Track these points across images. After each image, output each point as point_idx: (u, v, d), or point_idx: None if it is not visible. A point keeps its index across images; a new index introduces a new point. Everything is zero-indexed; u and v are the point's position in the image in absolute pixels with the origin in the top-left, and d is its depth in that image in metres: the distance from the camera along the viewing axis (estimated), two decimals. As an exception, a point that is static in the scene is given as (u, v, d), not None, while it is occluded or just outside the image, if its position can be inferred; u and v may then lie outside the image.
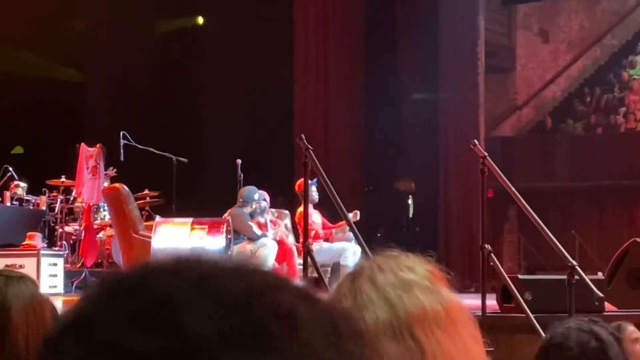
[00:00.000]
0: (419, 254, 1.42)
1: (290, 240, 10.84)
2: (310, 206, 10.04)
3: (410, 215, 17.49)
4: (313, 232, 9.96)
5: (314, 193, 9.96)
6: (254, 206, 9.91)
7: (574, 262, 5.69)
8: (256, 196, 9.94)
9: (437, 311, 1.30)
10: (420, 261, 1.39)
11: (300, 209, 9.26)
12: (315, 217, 10.19)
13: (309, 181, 9.63)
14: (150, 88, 15.03)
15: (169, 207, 11.07)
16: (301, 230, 9.73)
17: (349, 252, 9.78)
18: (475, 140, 6.64)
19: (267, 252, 9.61)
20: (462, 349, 1.30)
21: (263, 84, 15.20)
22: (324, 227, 10.44)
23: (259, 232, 9.78)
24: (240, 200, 9.88)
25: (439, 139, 16.28)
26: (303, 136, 6.33)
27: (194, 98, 15.35)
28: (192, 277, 0.66)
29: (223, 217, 9.85)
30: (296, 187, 9.86)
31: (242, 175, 10.85)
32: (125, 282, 0.67)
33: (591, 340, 2.74)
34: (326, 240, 10.38)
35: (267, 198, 10.34)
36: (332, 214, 10.02)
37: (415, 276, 1.34)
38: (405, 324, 1.29)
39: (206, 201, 11.04)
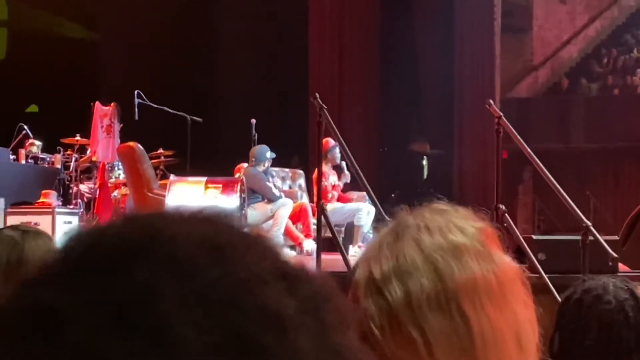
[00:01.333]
0: (469, 208, 1.30)
1: (304, 199, 10.85)
2: (330, 167, 10.06)
3: (425, 177, 17.47)
4: (330, 195, 9.98)
5: (337, 154, 9.96)
6: (266, 164, 9.91)
7: (589, 223, 5.68)
8: (268, 155, 9.94)
9: (488, 281, 1.20)
10: (470, 219, 1.27)
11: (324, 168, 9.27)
12: (333, 179, 10.20)
13: (333, 142, 9.66)
14: (164, 47, 15.00)
15: (183, 167, 11.06)
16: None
17: (363, 212, 9.79)
18: (491, 100, 6.59)
19: (285, 212, 9.63)
20: (512, 320, 1.21)
21: (278, 43, 15.15)
22: (339, 198, 10.42)
23: (277, 192, 9.79)
24: (253, 159, 9.88)
25: (454, 99, 16.22)
26: (317, 95, 6.30)
27: (209, 57, 15.31)
28: (168, 260, 0.61)
29: (236, 175, 9.87)
30: (324, 147, 9.79)
31: (256, 135, 10.84)
32: (95, 257, 0.61)
33: (629, 297, 2.75)
34: (340, 200, 10.39)
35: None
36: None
37: (466, 239, 1.22)
38: (453, 296, 1.18)
39: (220, 161, 11.04)
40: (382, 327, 1.18)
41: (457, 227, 1.24)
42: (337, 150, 9.92)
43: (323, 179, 9.66)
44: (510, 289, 1.23)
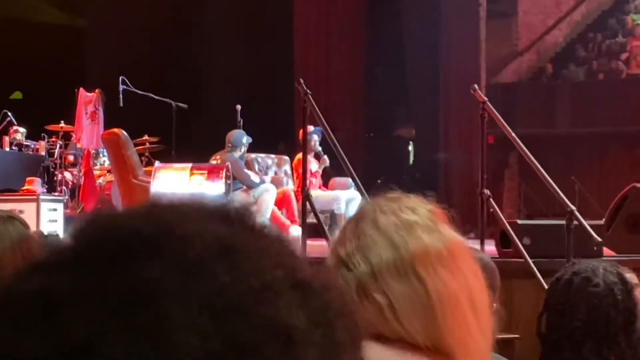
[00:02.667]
0: (420, 194, 1.46)
1: (290, 186, 10.84)
2: (310, 154, 10.06)
3: (411, 162, 17.48)
4: (308, 181, 9.96)
5: (315, 142, 9.96)
6: (242, 150, 9.87)
7: (573, 207, 5.69)
8: (244, 140, 9.89)
9: (439, 249, 1.35)
10: (421, 202, 1.43)
11: (299, 155, 9.26)
12: (312, 166, 10.18)
13: (313, 128, 9.66)
14: (149, 33, 14.93)
15: (169, 153, 11.04)
16: (298, 177, 9.76)
17: (342, 200, 9.78)
18: (476, 85, 6.58)
19: (269, 198, 9.60)
20: (464, 284, 1.35)
21: (263, 28, 15.10)
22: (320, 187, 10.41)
23: (256, 179, 9.76)
24: (229, 145, 9.83)
25: (440, 85, 16.22)
26: (302, 80, 6.29)
27: (194, 43, 15.25)
28: (179, 259, 0.59)
29: (211, 160, 9.81)
30: (300, 135, 9.79)
31: (242, 121, 10.81)
32: (104, 247, 0.61)
33: (618, 281, 2.78)
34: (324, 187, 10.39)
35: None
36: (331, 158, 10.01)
37: (417, 217, 1.38)
38: (408, 263, 1.33)
39: (206, 147, 11.01)
40: (351, 296, 1.31)
41: (408, 208, 1.40)
42: (315, 137, 9.92)
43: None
44: (460, 258, 1.37)
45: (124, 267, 0.58)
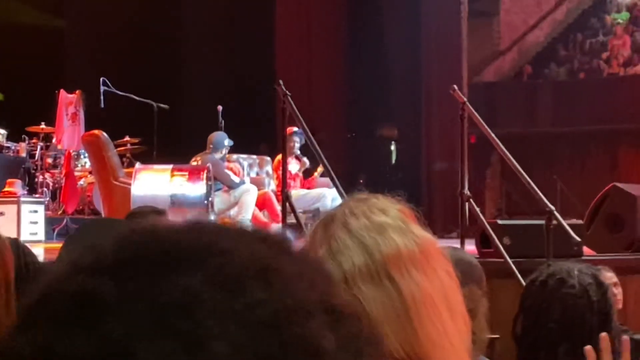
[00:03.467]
0: (388, 195, 1.43)
1: (272, 186, 10.83)
2: (289, 156, 10.06)
3: (393, 162, 17.49)
4: (291, 183, 9.99)
5: (296, 144, 9.97)
6: (223, 152, 9.86)
7: (552, 207, 5.70)
8: (226, 142, 9.89)
9: (411, 250, 1.32)
10: (390, 202, 1.40)
11: (279, 157, 9.27)
12: (292, 167, 10.18)
13: (295, 130, 9.66)
14: (130, 34, 14.89)
15: (150, 154, 11.01)
16: (278, 177, 9.76)
17: (328, 197, 9.79)
18: (455, 86, 6.60)
19: (250, 198, 9.60)
20: (438, 285, 1.32)
21: (244, 29, 15.07)
22: (301, 184, 10.41)
23: (237, 179, 9.76)
24: (211, 146, 9.82)
25: (422, 84, 16.24)
26: (281, 82, 6.28)
27: (175, 44, 15.22)
28: (218, 273, 0.62)
29: (191, 161, 9.81)
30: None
31: (223, 122, 10.80)
32: (147, 255, 0.63)
33: (592, 282, 2.79)
34: (307, 187, 10.38)
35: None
36: (312, 160, 10.01)
37: (387, 218, 1.35)
38: (381, 266, 1.30)
39: (187, 148, 10.99)
40: None
41: (379, 210, 1.36)
42: (296, 139, 9.94)
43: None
44: (433, 258, 1.34)
45: (166, 277, 0.61)
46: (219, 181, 9.57)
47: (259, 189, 9.99)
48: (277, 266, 0.64)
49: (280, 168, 9.62)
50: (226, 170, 9.76)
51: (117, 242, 0.65)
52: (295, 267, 0.65)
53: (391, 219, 1.35)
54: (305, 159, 10.07)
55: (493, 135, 6.32)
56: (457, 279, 1.37)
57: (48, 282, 0.63)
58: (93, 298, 0.60)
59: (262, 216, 9.85)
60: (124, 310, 0.60)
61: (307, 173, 10.59)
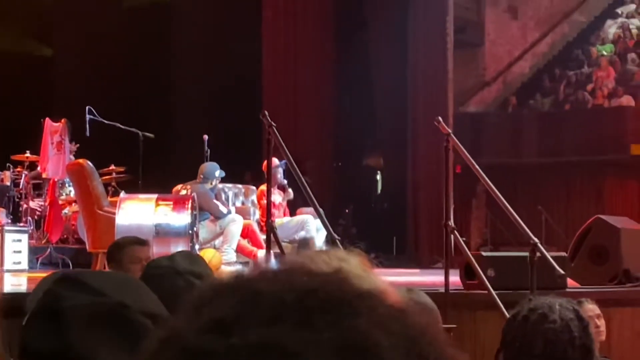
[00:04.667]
0: (347, 246, 1.52)
1: (257, 216, 10.81)
2: (272, 186, 10.07)
3: (379, 191, 17.52)
4: (275, 213, 10.01)
5: (279, 175, 9.97)
6: (214, 183, 9.85)
7: (536, 240, 5.70)
8: (217, 173, 9.88)
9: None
10: (349, 252, 1.44)
11: (262, 187, 9.29)
12: (276, 198, 10.17)
13: (278, 162, 9.67)
14: (117, 63, 14.90)
15: (135, 183, 10.99)
16: (261, 207, 9.76)
17: (311, 225, 9.78)
18: (440, 118, 6.60)
19: (235, 228, 9.58)
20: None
21: (231, 59, 15.11)
22: (284, 214, 10.41)
23: (225, 209, 9.74)
24: (201, 176, 9.82)
25: (408, 114, 16.28)
26: (266, 113, 6.28)
27: (161, 73, 15.24)
28: (374, 315, 0.71)
29: (179, 187, 9.79)
30: (263, 166, 9.78)
31: (209, 151, 10.79)
32: (319, 302, 0.70)
33: (574, 317, 2.78)
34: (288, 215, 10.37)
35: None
36: (298, 192, 10.00)
37: (348, 265, 1.38)
38: None
39: (173, 177, 10.97)
40: None
41: (339, 259, 1.41)
42: (280, 170, 9.94)
43: (263, 198, 9.69)
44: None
45: (333, 322, 0.69)
46: (206, 211, 9.56)
47: (244, 219, 9.97)
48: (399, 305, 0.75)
49: (264, 198, 9.65)
50: (215, 201, 9.75)
51: (275, 294, 0.71)
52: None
53: (351, 266, 1.38)
54: (290, 190, 10.07)
55: (477, 166, 6.33)
56: None
57: (212, 337, 0.69)
58: (283, 348, 0.67)
59: (247, 244, 9.82)
60: (315, 356, 0.67)
61: (293, 205, 10.58)
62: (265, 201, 9.56)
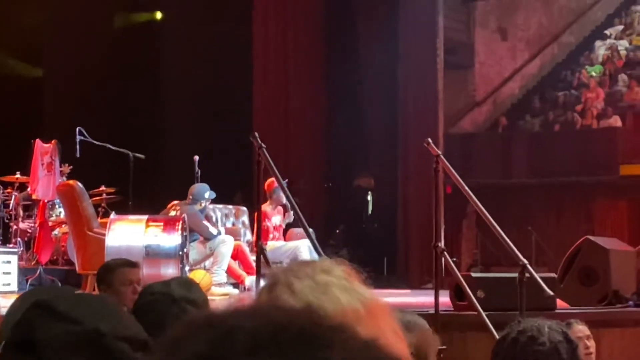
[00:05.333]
0: (332, 257, 1.44)
1: (247, 237, 10.82)
2: (273, 207, 10.08)
3: (370, 212, 17.52)
4: (271, 235, 10.02)
5: (281, 195, 9.98)
6: (203, 204, 9.85)
7: (525, 261, 5.72)
8: (207, 194, 9.88)
9: (356, 309, 1.30)
10: (334, 263, 1.39)
11: (264, 207, 9.34)
12: (276, 219, 10.19)
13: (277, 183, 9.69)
14: (107, 84, 14.92)
15: (126, 204, 10.98)
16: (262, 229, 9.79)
17: (303, 250, 9.78)
18: (429, 139, 6.64)
19: (226, 250, 9.57)
20: (384, 343, 1.30)
21: (221, 79, 15.14)
22: (283, 236, 10.44)
23: (215, 231, 9.74)
24: (190, 197, 9.82)
25: (399, 135, 16.32)
26: (256, 134, 6.29)
27: (152, 94, 15.26)
28: (346, 347, 0.75)
29: (168, 207, 9.79)
30: (265, 186, 9.78)
31: (199, 171, 10.80)
32: (291, 338, 0.74)
33: (563, 340, 2.79)
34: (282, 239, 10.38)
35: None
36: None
37: (332, 277, 1.34)
38: None
39: (163, 198, 10.97)
40: None
41: (322, 271, 1.35)
42: (280, 192, 9.93)
43: (266, 219, 9.70)
44: (378, 316, 1.33)
45: (306, 355, 0.73)
46: (196, 232, 9.55)
47: (235, 239, 9.98)
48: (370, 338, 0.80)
49: (265, 220, 9.69)
50: (205, 222, 9.74)
51: (250, 329, 0.74)
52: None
53: (335, 279, 1.34)
54: (291, 212, 10.06)
55: (466, 187, 6.35)
56: (403, 336, 1.38)
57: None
58: None
59: (237, 267, 9.82)
60: None
61: (291, 227, 10.59)
62: (266, 222, 9.63)
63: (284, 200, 9.96)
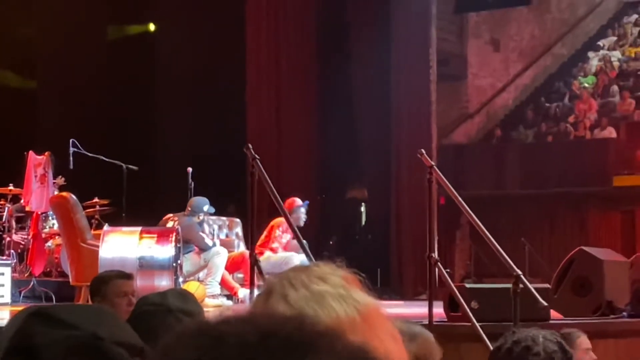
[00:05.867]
0: (330, 262, 1.40)
1: (242, 248, 10.82)
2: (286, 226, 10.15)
3: (363, 223, 17.53)
4: (276, 244, 10.10)
5: (301, 215, 10.14)
6: (201, 217, 9.87)
7: (519, 272, 5.73)
8: (205, 208, 9.90)
9: (352, 318, 1.28)
10: (331, 269, 1.36)
11: (278, 219, 9.63)
12: (285, 236, 10.24)
13: (301, 202, 9.90)
14: (100, 96, 14.91)
15: (119, 216, 10.98)
16: (273, 239, 9.95)
17: (295, 260, 9.80)
18: (423, 150, 6.65)
19: (220, 261, 9.58)
20: (382, 351, 1.27)
21: (214, 91, 15.15)
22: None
23: (210, 242, 9.75)
24: (189, 209, 9.84)
25: (392, 147, 16.33)
26: (250, 145, 6.30)
27: (145, 105, 15.25)
28: (331, 352, 0.77)
29: (164, 219, 9.80)
30: (286, 205, 9.86)
31: (192, 183, 10.81)
32: (274, 346, 0.76)
33: (557, 350, 2.80)
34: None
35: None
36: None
37: (327, 286, 1.32)
38: None
39: (157, 210, 10.97)
40: None
41: (318, 278, 1.33)
42: (302, 210, 10.03)
43: (279, 229, 9.83)
44: (376, 324, 1.31)
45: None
46: (191, 243, 9.56)
47: (229, 251, 9.98)
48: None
49: (277, 230, 9.81)
50: (200, 233, 9.75)
51: (239, 336, 0.77)
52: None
53: (331, 287, 1.32)
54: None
55: (460, 198, 6.36)
56: (402, 343, 1.36)
57: None
58: None
59: (231, 279, 9.81)
60: None
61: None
62: (277, 231, 9.78)
63: (302, 222, 10.03)
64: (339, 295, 1.30)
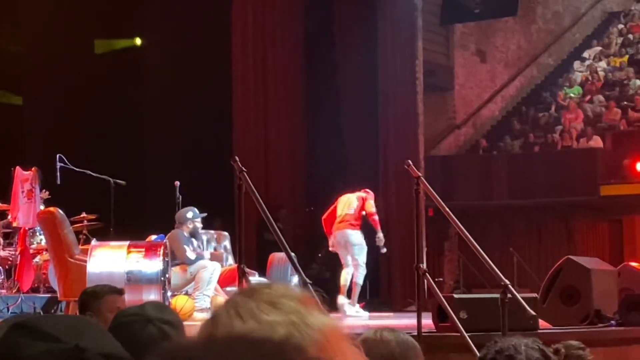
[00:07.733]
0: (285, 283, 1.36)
1: (230, 261, 10.80)
2: None
3: (352, 235, 17.48)
4: None
5: None
6: (190, 225, 9.85)
7: (507, 282, 5.73)
8: (189, 215, 9.89)
9: (304, 347, 1.19)
10: (284, 290, 1.28)
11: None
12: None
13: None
14: (87, 110, 14.88)
15: (107, 231, 10.95)
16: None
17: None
18: (409, 161, 6.65)
19: (207, 274, 9.54)
20: None
21: (201, 105, 15.14)
22: None
23: (192, 256, 9.71)
24: (175, 222, 9.86)
25: (379, 158, 16.36)
26: (237, 158, 6.30)
27: (132, 120, 15.23)
28: None
29: (148, 239, 9.81)
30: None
31: (180, 197, 10.80)
32: None
33: (540, 357, 2.81)
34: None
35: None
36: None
37: (277, 315, 1.22)
38: None
39: (145, 224, 10.94)
40: None
41: (268, 304, 1.23)
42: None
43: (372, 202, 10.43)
44: (333, 349, 1.22)
45: None
46: (175, 254, 9.54)
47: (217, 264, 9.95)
48: None
49: (367, 201, 10.25)
50: (184, 246, 9.72)
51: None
52: None
53: (283, 314, 1.22)
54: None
55: (447, 209, 6.37)
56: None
57: None
58: None
59: (224, 294, 9.78)
60: None
61: (265, 249, 10.64)
62: (371, 202, 11.06)
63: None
64: (290, 324, 1.21)
